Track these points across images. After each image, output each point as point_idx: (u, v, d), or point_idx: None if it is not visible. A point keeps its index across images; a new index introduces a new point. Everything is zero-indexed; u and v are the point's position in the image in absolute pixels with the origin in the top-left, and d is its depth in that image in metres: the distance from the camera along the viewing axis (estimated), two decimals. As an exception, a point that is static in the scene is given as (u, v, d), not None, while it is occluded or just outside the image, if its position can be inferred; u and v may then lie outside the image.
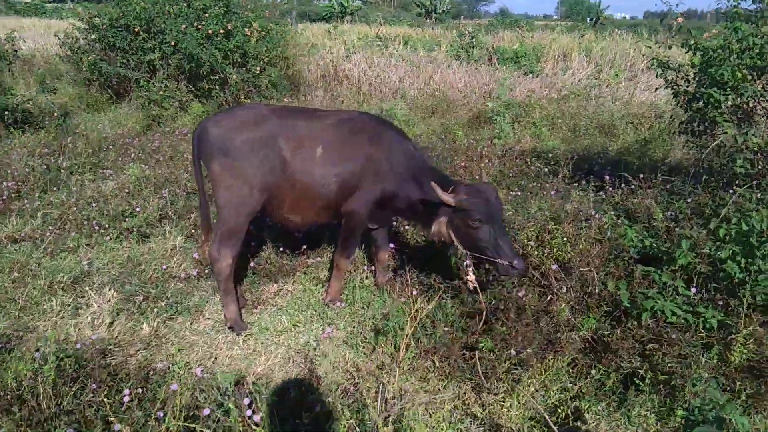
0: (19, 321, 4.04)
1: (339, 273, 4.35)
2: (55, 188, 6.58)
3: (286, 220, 4.09)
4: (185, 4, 10.51)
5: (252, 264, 4.70)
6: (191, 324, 4.18)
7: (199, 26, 9.96)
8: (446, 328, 3.91)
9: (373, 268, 4.74)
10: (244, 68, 10.25)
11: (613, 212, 4.87)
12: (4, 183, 6.25)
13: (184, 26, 9.95)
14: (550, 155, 7.65)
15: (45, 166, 7.02)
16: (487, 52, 17.07)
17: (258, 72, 10.19)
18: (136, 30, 10.49)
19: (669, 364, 3.35)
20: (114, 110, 10.87)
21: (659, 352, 3.42)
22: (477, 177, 6.90)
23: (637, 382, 3.32)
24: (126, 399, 3.04)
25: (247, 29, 10.09)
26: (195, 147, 3.85)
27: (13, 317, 4.06)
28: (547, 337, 3.71)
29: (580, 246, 4.10)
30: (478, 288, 3.80)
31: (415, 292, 4.31)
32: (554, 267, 4.01)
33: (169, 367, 3.57)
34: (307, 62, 12.94)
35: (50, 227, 5.50)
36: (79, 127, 9.16)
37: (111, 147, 8.27)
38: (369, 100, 11.61)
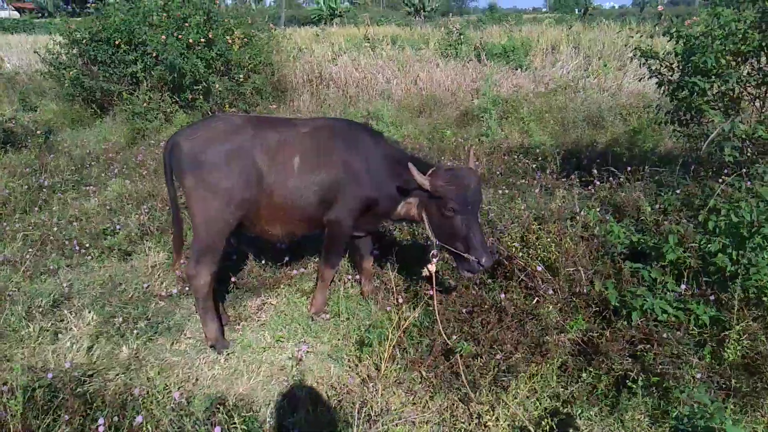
0: (-3, 349, 3.93)
1: (323, 284, 4.25)
2: (36, 208, 6.46)
3: (266, 232, 3.98)
4: (165, 14, 10.39)
5: (234, 279, 4.59)
6: (172, 344, 4.07)
7: (180, 36, 9.84)
8: (431, 337, 3.81)
9: (358, 276, 4.63)
10: (227, 76, 10.14)
11: (599, 208, 4.77)
12: (-17, 206, 6.14)
13: (164, 37, 9.84)
14: (538, 151, 7.54)
15: (26, 186, 6.90)
16: (474, 48, 16.97)
17: (242, 80, 10.08)
18: (116, 43, 10.38)
19: (661, 365, 3.25)
20: (99, 125, 10.75)
21: (651, 352, 3.32)
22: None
23: (630, 384, 3.21)
24: (101, 429, 2.94)
25: (228, 37, 9.98)
26: (167, 162, 3.73)
27: (-14, 347, 3.95)
28: (534, 340, 3.62)
29: (566, 245, 4.00)
30: (433, 279, 3.69)
31: (400, 300, 4.21)
32: (539, 268, 3.90)
33: (148, 392, 3.47)
34: (293, 67, 12.84)
35: (30, 249, 5.39)
36: (62, 144, 9.05)
37: (94, 163, 8.16)
38: (356, 102, 11.50)
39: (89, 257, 5.35)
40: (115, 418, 3.11)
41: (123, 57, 10.46)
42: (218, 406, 3.36)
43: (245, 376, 3.70)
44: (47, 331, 4.16)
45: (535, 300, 3.83)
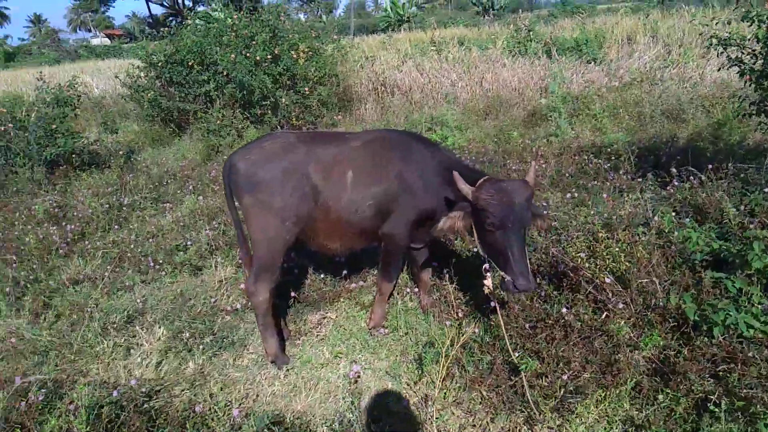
0: (73, 365, 4.15)
1: (381, 298, 4.19)
2: (116, 226, 6.83)
3: (324, 247, 3.98)
4: (233, 34, 10.78)
5: (294, 293, 4.62)
6: (235, 360, 4.14)
7: (248, 54, 10.17)
8: (492, 354, 3.64)
9: (417, 289, 4.53)
10: (293, 90, 10.36)
11: (678, 211, 4.40)
12: (69, 226, 6.55)
13: (233, 56, 10.20)
14: (612, 149, 7.12)
15: (107, 205, 7.32)
16: (545, 44, 16.40)
17: (307, 93, 10.26)
18: (190, 64, 10.89)
19: (747, 387, 2.92)
20: (177, 143, 11.29)
21: (735, 372, 2.99)
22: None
23: (712, 408, 2.91)
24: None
25: (293, 52, 10.19)
26: (226, 182, 3.82)
27: (68, 361, 4.18)
28: (604, 359, 3.37)
29: (638, 254, 3.70)
30: (493, 295, 3.49)
31: (460, 314, 4.07)
32: (608, 280, 3.64)
33: (210, 408, 3.53)
34: (358, 76, 12.93)
35: (108, 266, 5.68)
36: (142, 164, 9.56)
37: (171, 180, 8.55)
38: (420, 108, 11.40)
39: (163, 273, 5.56)
40: (177, 436, 3.18)
41: (196, 77, 10.96)
42: (275, 425, 3.37)
43: (303, 393, 3.69)
44: (120, 346, 4.34)
45: (604, 315, 3.57)
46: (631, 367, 3.24)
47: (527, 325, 3.79)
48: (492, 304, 3.56)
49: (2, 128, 8.34)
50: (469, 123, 10.06)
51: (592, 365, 3.35)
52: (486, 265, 3.55)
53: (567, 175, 6.69)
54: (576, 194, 5.88)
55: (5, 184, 7.97)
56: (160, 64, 11.06)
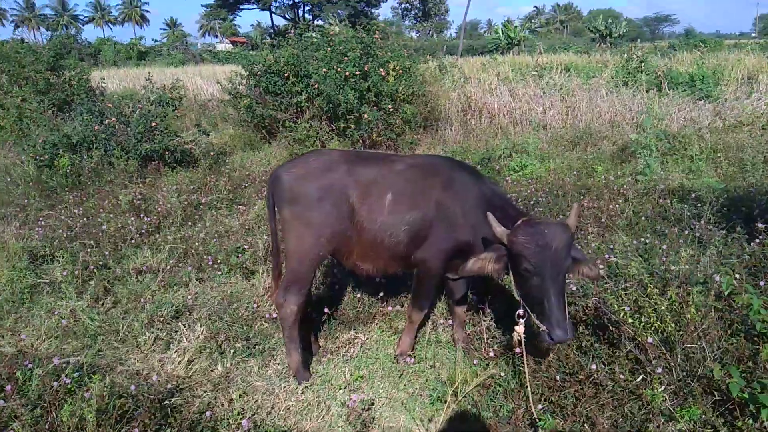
0: (115, 352, 4.39)
1: (411, 326, 4.07)
2: (190, 223, 7.20)
3: (357, 267, 3.94)
4: (329, 49, 11.13)
5: (327, 310, 4.60)
6: (260, 368, 4.18)
7: (339, 68, 10.45)
8: (516, 402, 3.41)
9: (450, 322, 4.36)
10: (377, 107, 10.49)
11: (752, 273, 3.92)
12: (146, 218, 7.00)
13: (324, 69, 10.52)
14: (700, 194, 6.52)
15: (186, 202, 7.75)
16: (656, 76, 15.45)
17: (390, 110, 10.34)
18: (286, 75, 11.37)
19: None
20: (266, 149, 11.79)
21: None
22: (603, 220, 6.15)
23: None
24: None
25: (381, 69, 10.34)
26: (269, 193, 3.90)
27: (111, 348, 4.42)
28: (635, 425, 3.04)
29: (690, 315, 3.32)
30: (521, 344, 3.25)
31: (491, 354, 3.86)
32: (650, 340, 3.29)
33: (225, 415, 3.58)
34: (447, 97, 12.88)
35: (171, 261, 5.98)
36: (228, 166, 10.05)
37: (250, 184, 8.91)
38: (505, 132, 11.13)
39: (219, 273, 5.76)
40: (183, 438, 3.24)
41: (291, 88, 11.42)
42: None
43: (315, 413, 3.65)
44: (161, 340, 4.53)
45: (640, 377, 3.23)
46: (663, 440, 2.90)
47: (557, 377, 3.52)
48: (517, 350, 3.34)
49: (108, 121, 9.11)
50: (553, 153, 9.67)
51: (621, 431, 3.03)
52: (520, 311, 3.36)
53: (644, 218, 6.20)
54: (649, 240, 5.42)
55: (102, 173, 8.68)
56: (259, 74, 11.64)
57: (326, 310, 4.56)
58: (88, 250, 6.04)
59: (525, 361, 3.31)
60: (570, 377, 3.46)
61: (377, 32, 11.72)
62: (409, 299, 4.06)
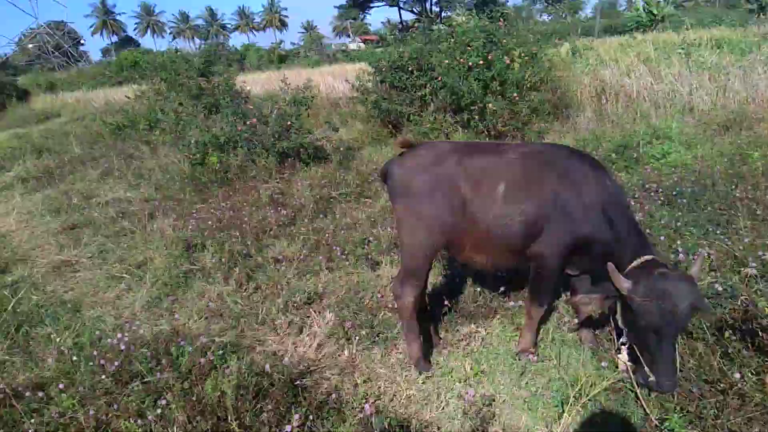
0: (255, 333, 4.79)
1: (531, 322, 3.97)
2: (322, 215, 7.61)
3: (471, 260, 3.93)
4: (452, 40, 11.08)
5: (447, 302, 4.63)
6: (383, 356, 4.33)
7: (461, 59, 10.36)
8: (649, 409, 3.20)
9: (576, 320, 4.18)
10: (502, 96, 10.25)
11: None
12: (283, 211, 7.51)
13: (447, 61, 10.50)
14: None
15: (318, 196, 8.18)
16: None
17: (515, 98, 10.06)
18: (410, 69, 11.51)
19: None
20: (392, 143, 12.04)
21: None
22: (759, 212, 5.50)
23: None
24: (295, 424, 3.32)
25: (506, 58, 10.08)
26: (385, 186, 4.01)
27: (251, 330, 4.83)
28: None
29: None
30: (629, 370, 3.05)
31: (619, 356, 3.65)
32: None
33: (349, 398, 3.77)
34: (580, 82, 12.22)
35: (304, 251, 6.36)
36: (356, 161, 10.42)
37: (376, 178, 9.17)
38: (644, 117, 10.31)
39: (347, 263, 6.03)
40: (310, 417, 3.46)
41: (415, 81, 11.55)
42: (402, 429, 3.46)
43: (435, 404, 3.71)
44: (295, 324, 4.87)
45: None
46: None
47: (694, 388, 3.24)
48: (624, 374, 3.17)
49: (249, 122, 9.87)
50: (701, 138, 8.78)
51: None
52: (624, 339, 3.20)
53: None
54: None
55: (246, 169, 9.45)
56: (384, 69, 11.91)
57: (446, 302, 4.59)
58: (234, 240, 6.62)
59: (635, 384, 3.13)
60: (711, 386, 3.17)
61: (501, 19, 11.44)
62: (528, 294, 3.96)
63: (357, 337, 4.52)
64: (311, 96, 10.89)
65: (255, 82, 20.93)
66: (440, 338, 4.44)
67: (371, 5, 73.38)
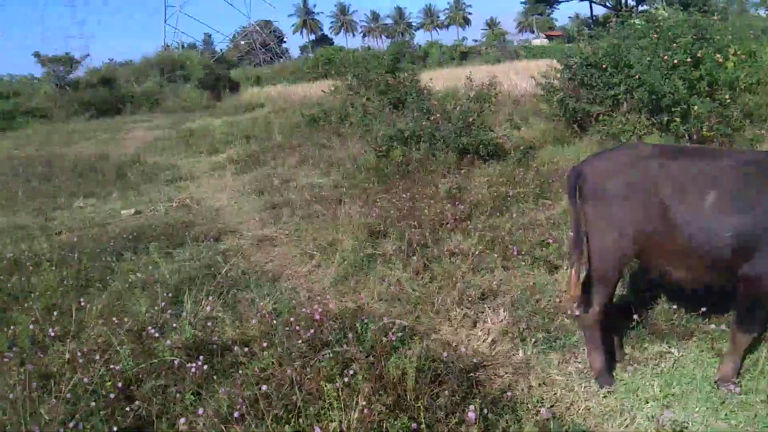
0: (431, 321, 4.96)
1: (734, 349, 3.56)
2: (497, 213, 7.57)
3: (666, 273, 3.63)
4: (656, 35, 10.21)
5: (636, 316, 4.32)
6: (560, 363, 4.21)
7: (665, 56, 9.51)
8: None
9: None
10: (710, 98, 9.21)
11: None
12: (460, 206, 7.62)
13: (648, 58, 9.71)
14: None
15: (496, 194, 8.15)
16: None
17: (727, 101, 8.97)
18: (603, 66, 10.87)
19: None
20: (576, 143, 11.51)
21: None
22: None
23: None
24: (471, 416, 3.38)
25: (718, 55, 9.03)
26: (572, 188, 3.85)
27: (427, 317, 5.01)
28: None
29: None
30: None
31: None
32: None
33: (524, 398, 3.74)
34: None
35: (480, 246, 6.39)
36: (536, 160, 10.16)
37: (557, 179, 8.86)
38: None
39: (523, 263, 5.94)
40: (485, 410, 3.50)
41: (608, 80, 10.88)
42: (579, 438, 3.35)
43: (617, 421, 3.51)
44: (469, 318, 4.94)
45: None
46: None
47: None
48: None
49: (433, 118, 10.16)
50: None
51: None
52: None
53: None
54: None
55: (426, 163, 9.74)
56: (574, 66, 11.40)
57: (635, 316, 4.30)
58: (413, 230, 6.89)
59: None
60: None
61: (715, 13, 10.26)
62: (734, 317, 3.55)
63: (533, 339, 4.45)
64: (495, 93, 10.85)
65: (436, 78, 21.39)
66: (625, 354, 4.18)
67: (560, 0, 70.44)
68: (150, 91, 38.95)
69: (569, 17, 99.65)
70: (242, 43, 77.99)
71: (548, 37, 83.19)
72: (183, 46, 70.37)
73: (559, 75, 12.24)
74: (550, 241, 6.14)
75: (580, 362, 4.21)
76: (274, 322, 4.76)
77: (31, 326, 4.84)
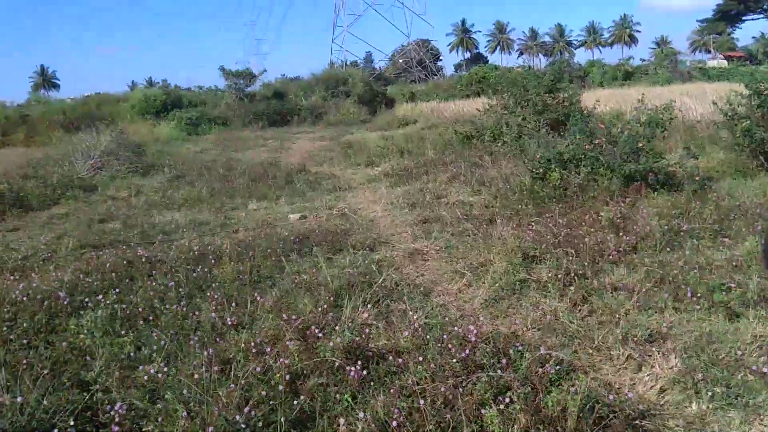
0: (590, 358, 4.70)
1: None
2: (669, 249, 6.96)
3: None
4: None
5: None
6: (741, 423, 3.75)
7: None
8: None
9: None
10: None
11: None
12: (625, 237, 7.14)
13: None
14: None
15: (666, 227, 7.51)
16: None
17: None
18: (805, 92, 9.60)
19: None
20: (761, 177, 10.28)
21: None
22: None
23: None
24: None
25: None
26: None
27: (586, 353, 4.75)
28: None
29: None
30: None
31: None
32: None
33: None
34: None
35: (647, 283, 5.92)
36: (715, 193, 9.20)
37: (740, 216, 7.95)
38: None
39: (697, 306, 5.40)
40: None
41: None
42: None
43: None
44: (634, 359, 4.60)
45: None
46: None
47: None
48: None
49: (597, 141, 9.66)
50: None
51: None
52: None
53: None
54: None
55: (586, 188, 9.28)
56: (765, 92, 10.19)
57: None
58: (570, 258, 6.60)
59: None
60: None
61: None
62: None
63: (709, 393, 4.02)
64: (670, 117, 10.05)
65: (596, 98, 20.39)
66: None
67: (744, 18, 63.45)
68: (315, 105, 41.94)
69: (753, 37, 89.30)
70: (400, 61, 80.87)
71: (727, 58, 75.52)
72: (346, 64, 74.73)
73: (745, 101, 11.04)
74: (732, 285, 5.52)
75: (766, 425, 3.72)
76: (427, 336, 4.83)
77: (212, 314, 5.42)
